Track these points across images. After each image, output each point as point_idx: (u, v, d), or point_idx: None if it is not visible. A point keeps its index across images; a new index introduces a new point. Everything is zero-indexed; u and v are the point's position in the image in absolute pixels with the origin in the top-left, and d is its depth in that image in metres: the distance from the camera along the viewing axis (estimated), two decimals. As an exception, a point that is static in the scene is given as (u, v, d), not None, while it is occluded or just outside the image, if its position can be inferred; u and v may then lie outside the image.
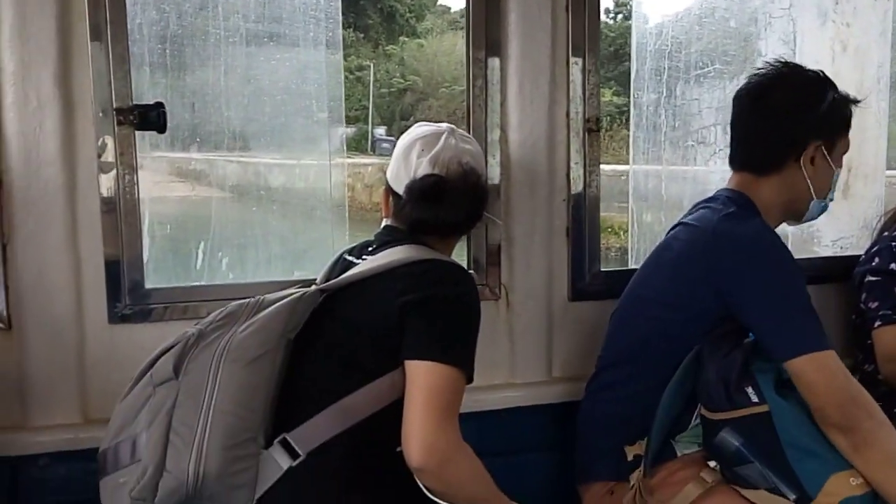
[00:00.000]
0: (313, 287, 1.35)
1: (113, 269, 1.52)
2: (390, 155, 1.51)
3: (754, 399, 1.35)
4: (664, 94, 1.98)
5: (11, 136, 1.43)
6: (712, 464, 1.43)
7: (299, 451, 1.23)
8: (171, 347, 1.25)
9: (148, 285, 1.56)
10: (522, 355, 1.80)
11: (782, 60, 1.59)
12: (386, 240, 1.43)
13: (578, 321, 1.84)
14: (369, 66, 18.75)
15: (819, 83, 1.56)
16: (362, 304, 1.32)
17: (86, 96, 1.48)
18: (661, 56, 1.99)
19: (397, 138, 1.56)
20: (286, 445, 1.23)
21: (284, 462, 1.23)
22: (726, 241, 1.45)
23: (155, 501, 1.17)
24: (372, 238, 1.47)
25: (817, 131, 1.53)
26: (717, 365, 1.39)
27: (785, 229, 1.78)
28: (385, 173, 1.50)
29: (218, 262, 1.77)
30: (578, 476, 1.60)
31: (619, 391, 1.54)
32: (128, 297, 1.53)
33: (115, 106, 1.48)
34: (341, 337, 1.32)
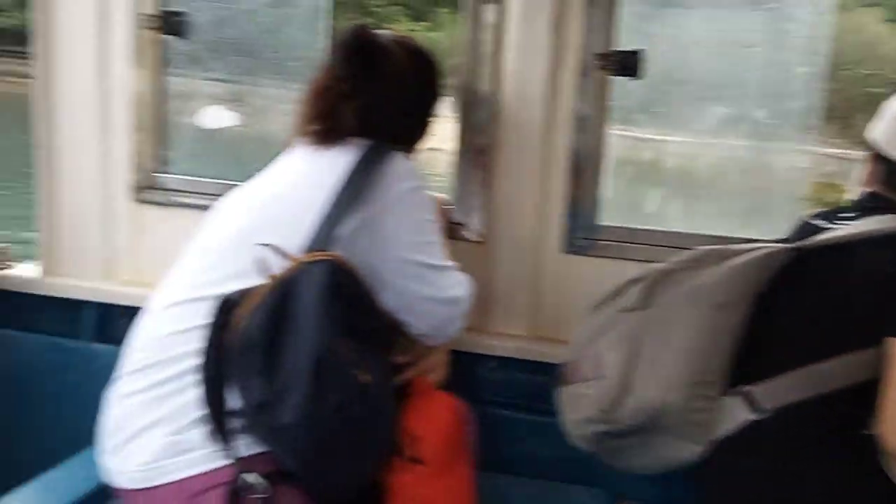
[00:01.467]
0: (785, 245, 1.28)
1: (573, 204, 1.64)
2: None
3: None
4: None
5: (510, 75, 1.63)
6: None
7: (764, 406, 1.20)
8: (639, 279, 1.31)
9: (600, 222, 1.65)
10: None
11: None
12: (870, 206, 1.28)
13: None
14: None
15: None
16: (843, 270, 1.22)
17: (572, 42, 1.60)
18: None
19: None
20: (748, 397, 1.21)
21: (744, 413, 1.21)
22: None
23: (617, 416, 1.24)
24: (846, 204, 1.33)
25: None
26: None
27: None
28: (867, 140, 1.32)
29: (668, 209, 1.78)
30: None
31: None
32: (581, 230, 1.65)
33: (594, 51, 1.58)
34: (815, 300, 1.23)
